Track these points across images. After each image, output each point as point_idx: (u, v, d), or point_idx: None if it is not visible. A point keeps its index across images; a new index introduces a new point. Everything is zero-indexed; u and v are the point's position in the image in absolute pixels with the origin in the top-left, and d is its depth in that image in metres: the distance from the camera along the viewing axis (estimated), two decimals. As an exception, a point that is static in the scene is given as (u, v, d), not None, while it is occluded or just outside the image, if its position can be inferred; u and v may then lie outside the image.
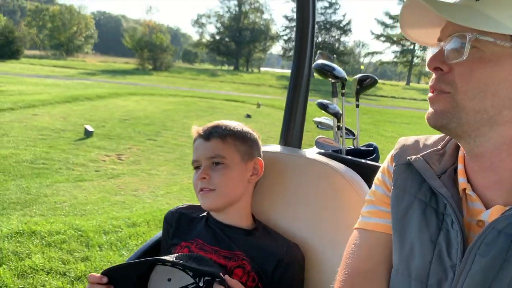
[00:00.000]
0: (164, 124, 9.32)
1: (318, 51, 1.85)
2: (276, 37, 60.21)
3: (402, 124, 13.72)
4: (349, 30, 52.85)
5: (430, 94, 0.79)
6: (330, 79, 1.85)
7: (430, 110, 0.78)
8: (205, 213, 1.27)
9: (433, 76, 0.78)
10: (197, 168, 1.21)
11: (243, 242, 1.17)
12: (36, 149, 6.15)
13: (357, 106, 2.01)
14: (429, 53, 0.82)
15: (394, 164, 0.93)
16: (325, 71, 1.80)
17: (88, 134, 7.33)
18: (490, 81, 0.71)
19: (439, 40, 0.79)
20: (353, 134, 2.01)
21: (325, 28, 52.15)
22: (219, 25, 59.75)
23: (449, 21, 0.75)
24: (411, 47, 49.39)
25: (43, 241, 3.22)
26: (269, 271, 1.13)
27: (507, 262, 0.69)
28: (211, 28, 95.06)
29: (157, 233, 1.36)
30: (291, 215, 1.30)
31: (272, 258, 1.14)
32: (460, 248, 0.74)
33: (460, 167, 0.83)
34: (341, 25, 52.13)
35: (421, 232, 0.81)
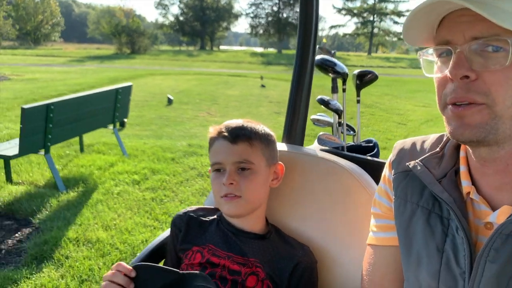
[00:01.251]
0: (209, 94, 11.68)
1: (318, 46, 1.77)
2: (239, 15, 62.04)
3: (383, 87, 16.37)
4: (312, 5, 55.11)
5: (451, 107, 0.70)
6: (330, 74, 1.79)
7: (458, 123, 0.70)
8: (215, 216, 1.23)
9: (451, 85, 0.70)
10: (217, 170, 1.15)
11: (256, 248, 1.14)
12: (148, 112, 8.47)
13: (358, 101, 1.95)
14: (423, 59, 0.77)
15: (393, 172, 0.91)
16: (326, 66, 1.75)
17: (170, 102, 9.66)
18: None
19: (447, 43, 0.71)
20: (354, 130, 1.98)
21: (288, 4, 54.30)
22: (182, 5, 60.59)
23: (466, 22, 0.67)
24: (371, 18, 52.69)
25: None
26: (286, 276, 1.11)
27: None
28: (175, 9, 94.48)
29: (159, 236, 1.34)
30: (300, 215, 1.28)
31: (289, 263, 1.12)
32: (467, 254, 0.73)
33: (462, 169, 0.81)
34: (304, 0, 54.20)
35: (426, 241, 0.80)
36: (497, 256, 0.69)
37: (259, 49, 66.14)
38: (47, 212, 3.53)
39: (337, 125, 1.86)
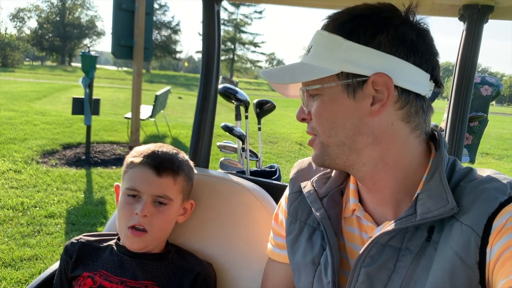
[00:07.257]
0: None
1: (221, 76, 1.98)
2: (103, 33, 63.05)
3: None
4: (179, 30, 58.84)
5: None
6: (233, 101, 1.92)
7: (313, 153, 0.86)
8: (111, 242, 1.18)
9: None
10: (131, 196, 1.11)
11: (154, 269, 1.12)
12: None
13: (259, 129, 2.06)
14: None
15: (289, 191, 1.00)
16: (228, 94, 1.90)
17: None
18: (335, 118, 0.78)
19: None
20: (257, 156, 2.11)
21: (156, 27, 56.55)
22: (41, 20, 58.77)
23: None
24: (232, 47, 59.21)
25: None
26: None
27: (395, 273, 0.73)
28: (33, 23, 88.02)
29: (48, 269, 1.26)
30: (203, 234, 1.30)
31: (188, 276, 1.12)
32: (331, 267, 0.81)
33: (352, 187, 0.89)
34: (171, 25, 57.68)
35: (305, 255, 0.89)
36: (372, 262, 0.76)
37: (113, 67, 66.94)
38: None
39: (241, 150, 1.94)
